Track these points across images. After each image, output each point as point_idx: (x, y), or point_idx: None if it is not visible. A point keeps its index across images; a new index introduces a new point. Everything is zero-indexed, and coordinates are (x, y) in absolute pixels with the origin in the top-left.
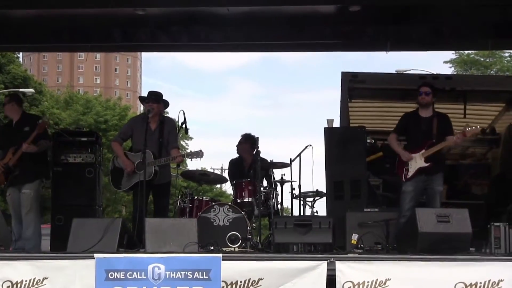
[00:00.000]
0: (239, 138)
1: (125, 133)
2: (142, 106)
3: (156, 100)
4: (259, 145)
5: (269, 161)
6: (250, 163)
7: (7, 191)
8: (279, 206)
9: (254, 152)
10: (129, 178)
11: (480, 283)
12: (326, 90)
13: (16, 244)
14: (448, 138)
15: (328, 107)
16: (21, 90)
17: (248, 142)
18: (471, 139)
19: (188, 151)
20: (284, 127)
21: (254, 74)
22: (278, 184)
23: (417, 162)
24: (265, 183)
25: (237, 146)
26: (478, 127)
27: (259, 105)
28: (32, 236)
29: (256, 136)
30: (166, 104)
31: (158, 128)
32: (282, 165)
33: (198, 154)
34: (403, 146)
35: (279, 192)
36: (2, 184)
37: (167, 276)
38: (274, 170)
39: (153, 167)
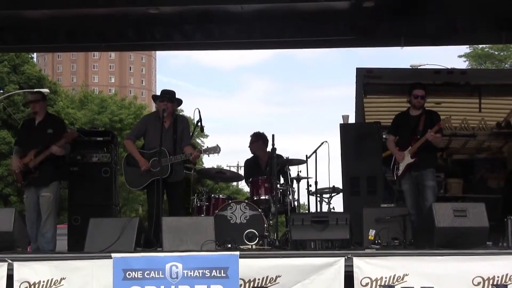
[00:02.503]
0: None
1: (138, 131)
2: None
3: (170, 99)
4: (274, 142)
5: (285, 158)
6: (266, 161)
7: (25, 193)
8: (295, 203)
9: (271, 149)
10: (144, 176)
11: (498, 277)
12: (341, 86)
13: (32, 246)
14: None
15: (343, 103)
16: (36, 90)
17: (260, 140)
18: (486, 133)
19: (205, 147)
20: (299, 124)
21: (268, 71)
22: (295, 180)
23: (405, 159)
24: (281, 180)
25: (249, 146)
26: (449, 116)
27: (274, 102)
28: (51, 240)
29: (272, 134)
30: (179, 102)
31: (171, 126)
32: (298, 162)
33: (215, 150)
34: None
35: (296, 189)
36: (19, 183)
37: (185, 275)
38: (290, 167)
39: (168, 165)
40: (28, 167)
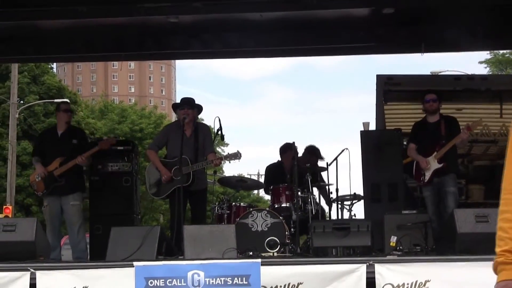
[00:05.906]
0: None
1: (160, 141)
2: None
3: (190, 106)
4: (297, 150)
5: (307, 165)
6: (291, 168)
7: (45, 201)
8: (318, 209)
9: (292, 157)
10: (166, 185)
11: None
12: (361, 94)
13: (52, 254)
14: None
15: (363, 110)
16: (56, 100)
17: (292, 150)
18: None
19: (225, 154)
20: (319, 132)
21: (288, 80)
22: (316, 188)
23: (431, 164)
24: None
25: (281, 156)
26: (480, 118)
27: (294, 111)
28: (85, 249)
29: (293, 141)
30: (199, 109)
31: (193, 135)
32: (319, 169)
33: (236, 156)
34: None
35: (316, 196)
36: (40, 192)
37: (207, 283)
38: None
39: (190, 173)
40: (52, 175)
